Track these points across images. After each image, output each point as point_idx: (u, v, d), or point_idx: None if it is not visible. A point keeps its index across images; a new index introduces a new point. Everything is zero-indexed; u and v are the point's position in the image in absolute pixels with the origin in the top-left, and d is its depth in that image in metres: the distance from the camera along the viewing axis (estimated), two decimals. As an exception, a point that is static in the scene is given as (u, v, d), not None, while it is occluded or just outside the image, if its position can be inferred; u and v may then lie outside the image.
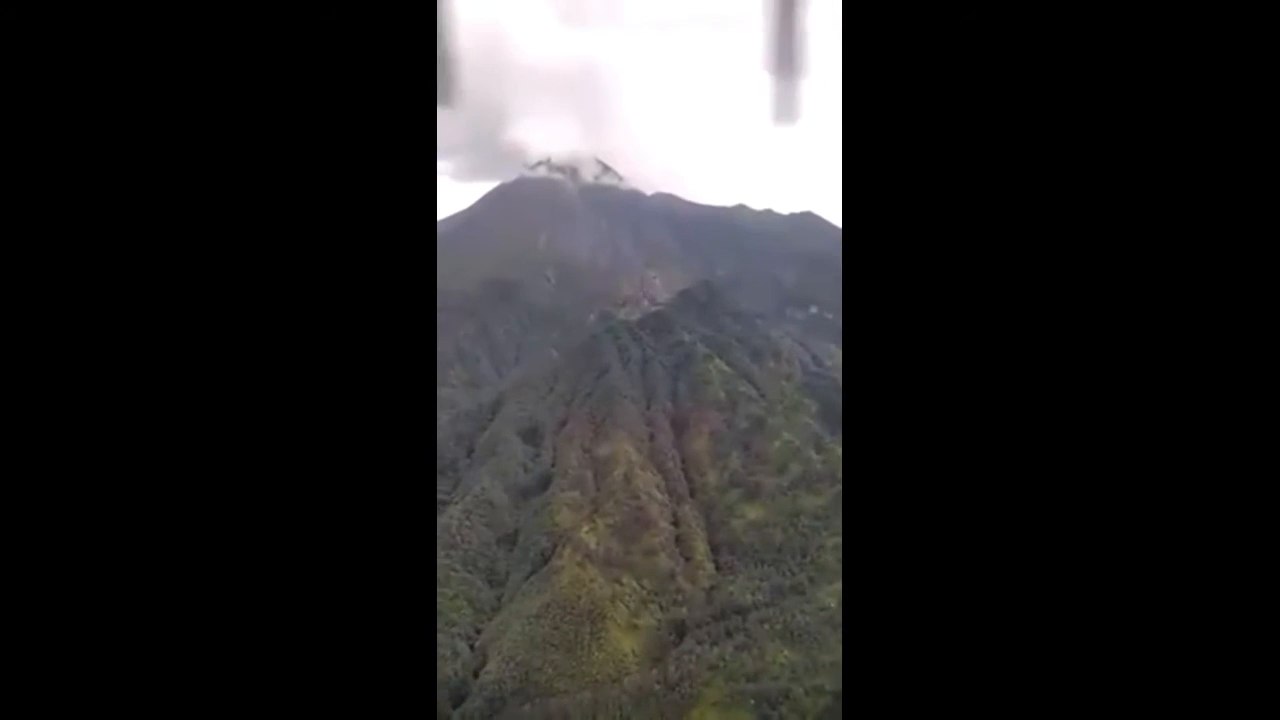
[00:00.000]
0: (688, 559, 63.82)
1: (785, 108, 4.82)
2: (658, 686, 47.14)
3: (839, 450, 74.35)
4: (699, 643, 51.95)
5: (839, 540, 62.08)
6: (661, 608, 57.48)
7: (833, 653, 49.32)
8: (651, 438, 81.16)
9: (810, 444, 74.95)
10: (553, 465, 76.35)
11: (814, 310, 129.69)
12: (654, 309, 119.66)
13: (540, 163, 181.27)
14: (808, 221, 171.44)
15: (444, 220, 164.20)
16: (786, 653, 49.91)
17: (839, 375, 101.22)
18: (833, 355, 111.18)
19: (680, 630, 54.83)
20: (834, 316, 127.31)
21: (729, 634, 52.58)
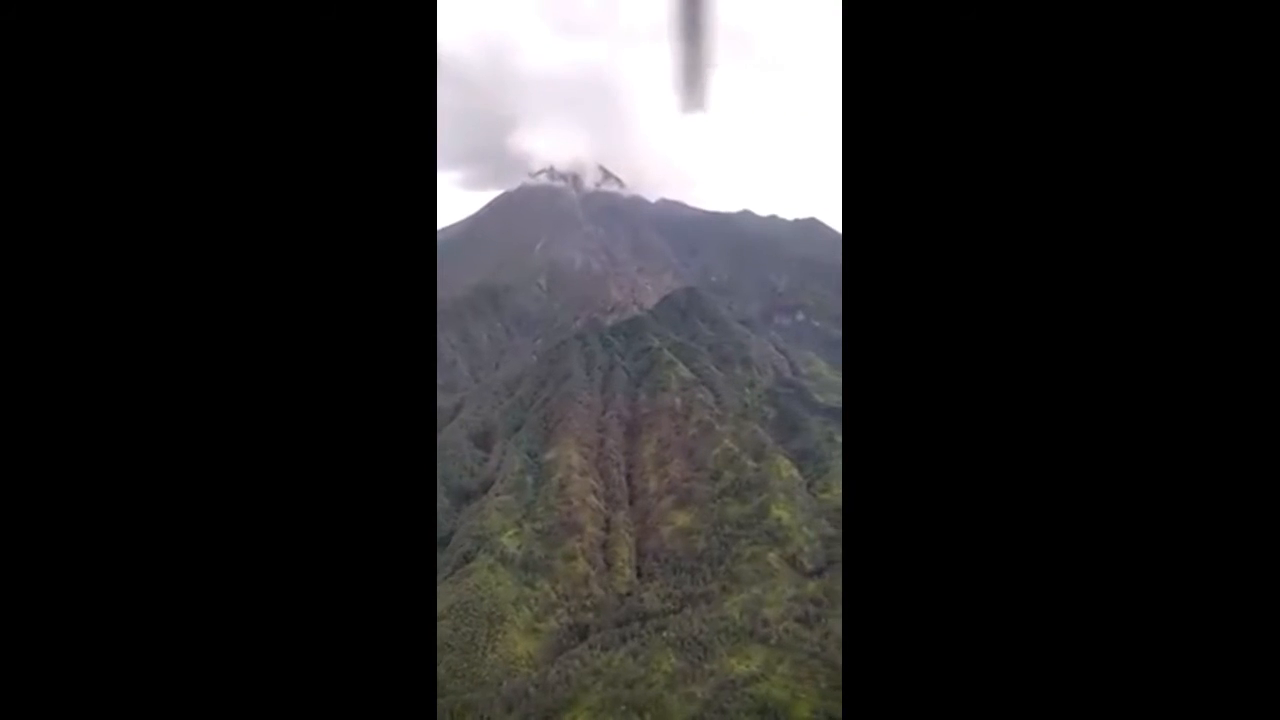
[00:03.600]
0: (609, 565, 64.05)
1: (693, 98, 5.23)
2: (533, 689, 47.47)
3: (779, 459, 73.97)
4: (591, 648, 52.15)
5: (756, 549, 61.83)
6: (570, 612, 57.81)
7: (717, 660, 49.19)
8: (601, 443, 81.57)
9: (750, 452, 74.54)
10: (498, 469, 77.24)
11: (800, 317, 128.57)
12: (634, 315, 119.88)
13: (542, 170, 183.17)
14: (810, 227, 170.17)
15: (444, 228, 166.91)
16: (673, 660, 49.78)
17: (811, 383, 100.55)
18: (811, 363, 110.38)
19: (583, 635, 55.10)
20: (820, 324, 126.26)
21: (624, 640, 52.64)
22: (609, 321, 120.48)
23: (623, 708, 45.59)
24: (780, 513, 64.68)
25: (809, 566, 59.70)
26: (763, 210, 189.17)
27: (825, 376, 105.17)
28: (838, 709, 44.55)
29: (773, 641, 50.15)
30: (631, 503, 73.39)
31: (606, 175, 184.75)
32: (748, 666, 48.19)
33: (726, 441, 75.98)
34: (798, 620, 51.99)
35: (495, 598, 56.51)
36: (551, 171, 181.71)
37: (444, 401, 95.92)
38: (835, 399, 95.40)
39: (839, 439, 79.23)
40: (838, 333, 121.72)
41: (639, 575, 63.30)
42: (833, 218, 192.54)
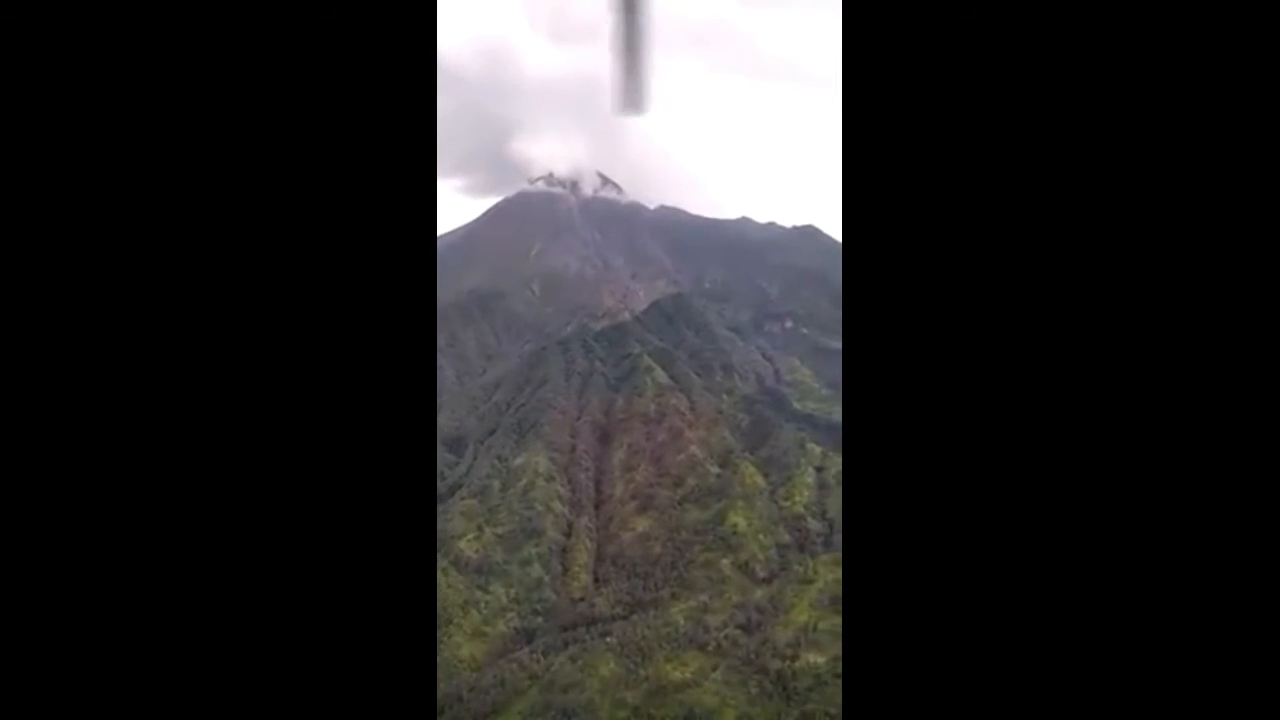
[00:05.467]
0: (565, 569, 64.34)
1: (632, 98, 4.91)
2: (468, 693, 47.82)
3: (744, 465, 73.99)
4: (533, 652, 52.50)
5: (710, 556, 61.91)
6: (520, 616, 58.17)
7: (655, 666, 49.35)
8: (573, 448, 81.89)
9: (715, 459, 74.59)
10: (467, 473, 77.79)
11: (790, 324, 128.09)
12: (620, 321, 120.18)
13: (540, 177, 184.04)
14: (807, 234, 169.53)
15: (442, 235, 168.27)
16: (612, 665, 50.01)
17: (791, 390, 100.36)
18: (795, 370, 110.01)
19: (530, 639, 55.42)
20: (809, 331, 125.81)
21: (567, 645, 52.97)
22: (598, 327, 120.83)
23: (552, 713, 45.86)
24: (737, 519, 64.68)
25: (760, 574, 59.67)
26: (762, 217, 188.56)
27: (807, 384, 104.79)
28: (763, 715, 44.55)
29: (711, 648, 50.24)
30: (597, 508, 73.63)
31: (605, 181, 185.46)
32: (683, 673, 48.34)
33: (693, 448, 76.06)
34: (739, 627, 52.06)
35: (445, 601, 56.91)
36: (550, 178, 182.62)
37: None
38: (814, 406, 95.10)
39: (811, 446, 79.03)
40: (826, 340, 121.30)
41: (595, 580, 63.51)
42: (830, 224, 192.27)
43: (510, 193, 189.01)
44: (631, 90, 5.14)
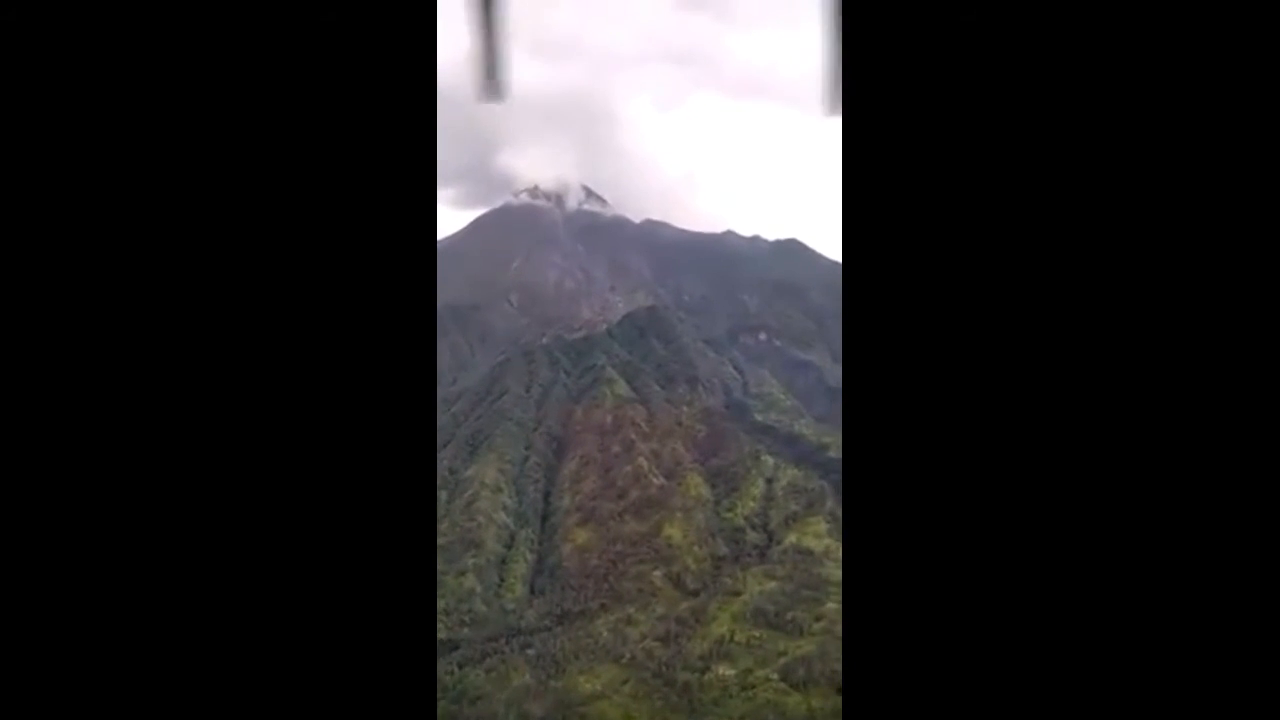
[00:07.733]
0: (501, 581, 64.06)
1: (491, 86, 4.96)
2: (375, 704, 47.58)
3: (691, 477, 73.69)
4: (450, 664, 52.09)
5: (641, 569, 61.55)
6: (446, 628, 57.70)
7: (569, 679, 49.06)
8: (525, 460, 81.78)
9: (661, 470, 74.25)
10: (416, 485, 77.74)
11: (763, 337, 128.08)
12: (590, 334, 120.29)
13: (525, 189, 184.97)
14: (789, 248, 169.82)
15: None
16: (526, 677, 49.72)
17: (756, 402, 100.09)
18: (763, 382, 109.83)
19: (452, 650, 55.07)
20: (781, 344, 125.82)
21: (486, 656, 52.67)
22: (571, 339, 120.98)
23: (455, 725, 45.56)
24: (672, 531, 64.27)
25: (691, 586, 59.22)
26: (747, 230, 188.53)
27: (773, 396, 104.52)
28: (664, 729, 44.10)
29: (625, 660, 49.85)
30: (543, 520, 73.36)
31: (589, 195, 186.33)
32: (594, 685, 47.97)
33: (640, 459, 75.73)
34: (658, 639, 51.66)
35: (368, 611, 56.76)
36: (535, 190, 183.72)
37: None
38: (775, 418, 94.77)
39: (765, 458, 78.65)
40: (798, 353, 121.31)
41: (531, 592, 63.21)
42: (812, 238, 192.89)
43: (495, 205, 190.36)
44: (490, 77, 5.13)
